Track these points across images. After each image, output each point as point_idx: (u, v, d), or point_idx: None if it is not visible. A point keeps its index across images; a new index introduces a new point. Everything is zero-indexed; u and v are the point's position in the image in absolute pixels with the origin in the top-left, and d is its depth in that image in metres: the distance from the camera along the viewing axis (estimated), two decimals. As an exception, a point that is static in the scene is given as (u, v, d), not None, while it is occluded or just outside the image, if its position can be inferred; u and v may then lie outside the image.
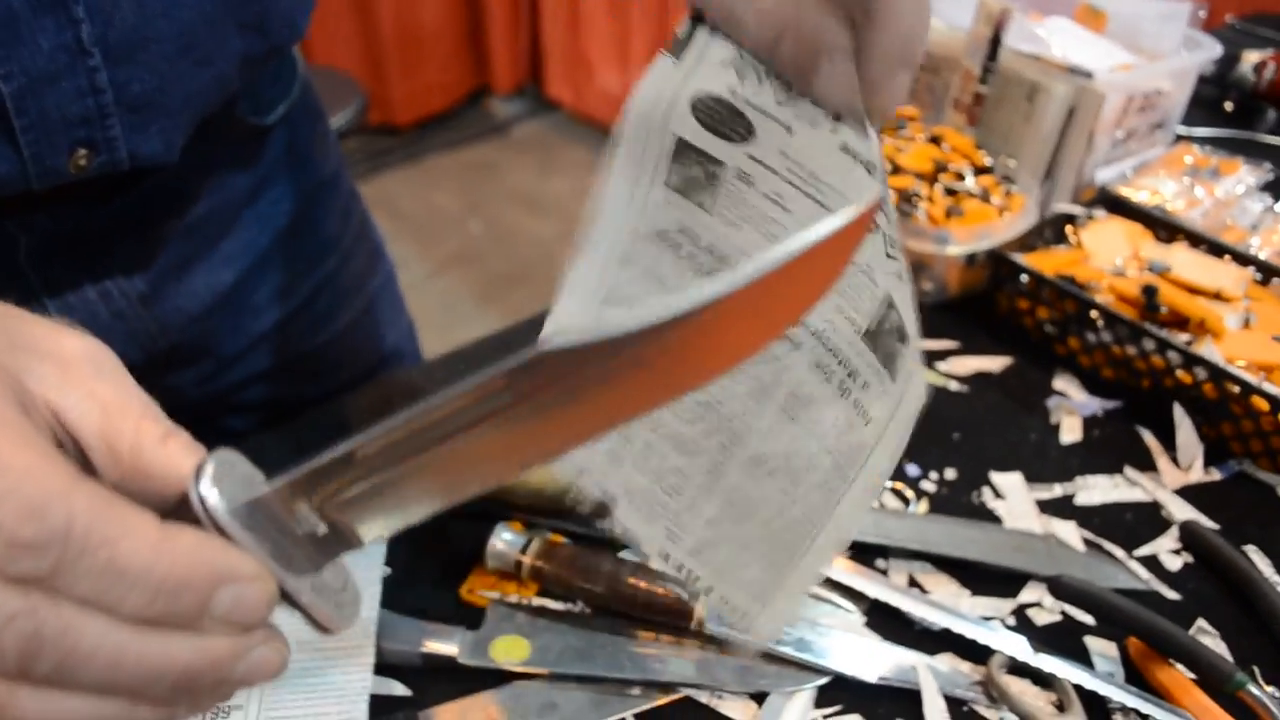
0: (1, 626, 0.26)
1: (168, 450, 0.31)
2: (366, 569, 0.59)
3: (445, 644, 0.57)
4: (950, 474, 0.74)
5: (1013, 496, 0.72)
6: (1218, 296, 0.84)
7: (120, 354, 0.70)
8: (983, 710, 0.57)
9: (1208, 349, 0.78)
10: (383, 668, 0.55)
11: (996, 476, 0.74)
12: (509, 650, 0.57)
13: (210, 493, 0.30)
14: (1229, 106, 1.32)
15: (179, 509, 0.30)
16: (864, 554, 0.66)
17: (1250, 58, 1.30)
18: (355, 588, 0.35)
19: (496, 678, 0.57)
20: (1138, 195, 0.98)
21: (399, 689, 0.56)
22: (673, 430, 0.45)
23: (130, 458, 0.31)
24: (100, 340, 0.34)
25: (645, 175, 0.44)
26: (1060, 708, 0.57)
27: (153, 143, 0.55)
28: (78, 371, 0.32)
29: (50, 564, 0.26)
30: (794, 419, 0.43)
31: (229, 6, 0.55)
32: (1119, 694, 0.57)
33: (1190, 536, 0.69)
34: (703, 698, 0.57)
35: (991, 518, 0.70)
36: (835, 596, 0.63)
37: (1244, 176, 1.05)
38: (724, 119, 0.41)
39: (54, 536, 0.26)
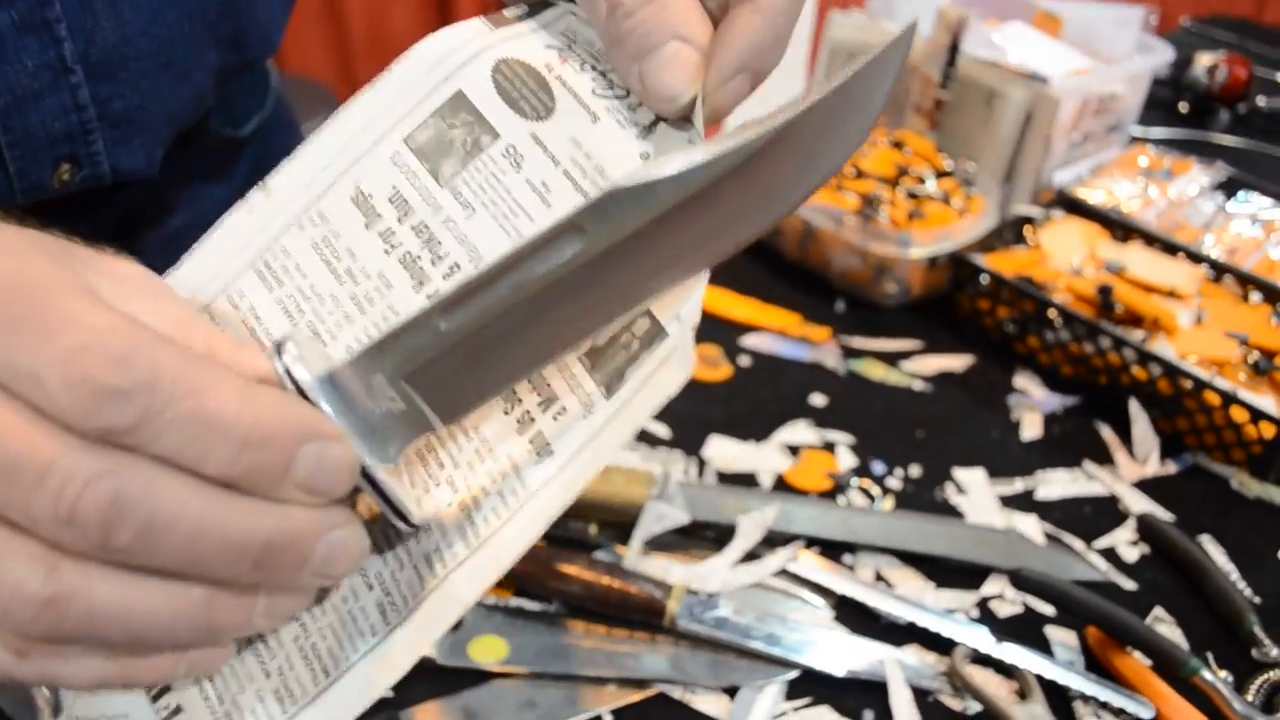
0: (82, 489, 0.25)
1: (241, 355, 0.30)
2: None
3: (424, 646, 0.58)
4: (915, 471, 0.76)
5: (975, 492, 0.74)
6: (1171, 294, 0.86)
7: None
8: (948, 700, 0.59)
9: (1161, 346, 0.80)
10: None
11: (960, 473, 0.76)
12: (487, 650, 0.58)
13: (294, 363, 0.29)
14: (1184, 108, 1.35)
15: None
16: (832, 550, 0.68)
17: (1203, 60, 1.33)
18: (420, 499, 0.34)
19: (475, 677, 0.58)
20: (1094, 196, 1.01)
21: (379, 691, 0.57)
22: None
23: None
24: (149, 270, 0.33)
25: (385, 121, 0.37)
26: (1022, 696, 0.59)
27: (134, 156, 0.56)
28: (137, 289, 0.31)
29: (136, 414, 0.25)
30: (428, 466, 0.35)
31: (207, 23, 0.56)
32: (1079, 682, 0.59)
33: (1147, 528, 0.71)
34: (676, 693, 0.58)
35: (955, 513, 0.72)
36: (804, 592, 0.65)
37: (1197, 177, 1.08)
38: (526, 89, 0.36)
39: (140, 384, 0.25)
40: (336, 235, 0.37)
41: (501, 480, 0.34)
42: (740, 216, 0.30)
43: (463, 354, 0.30)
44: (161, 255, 0.67)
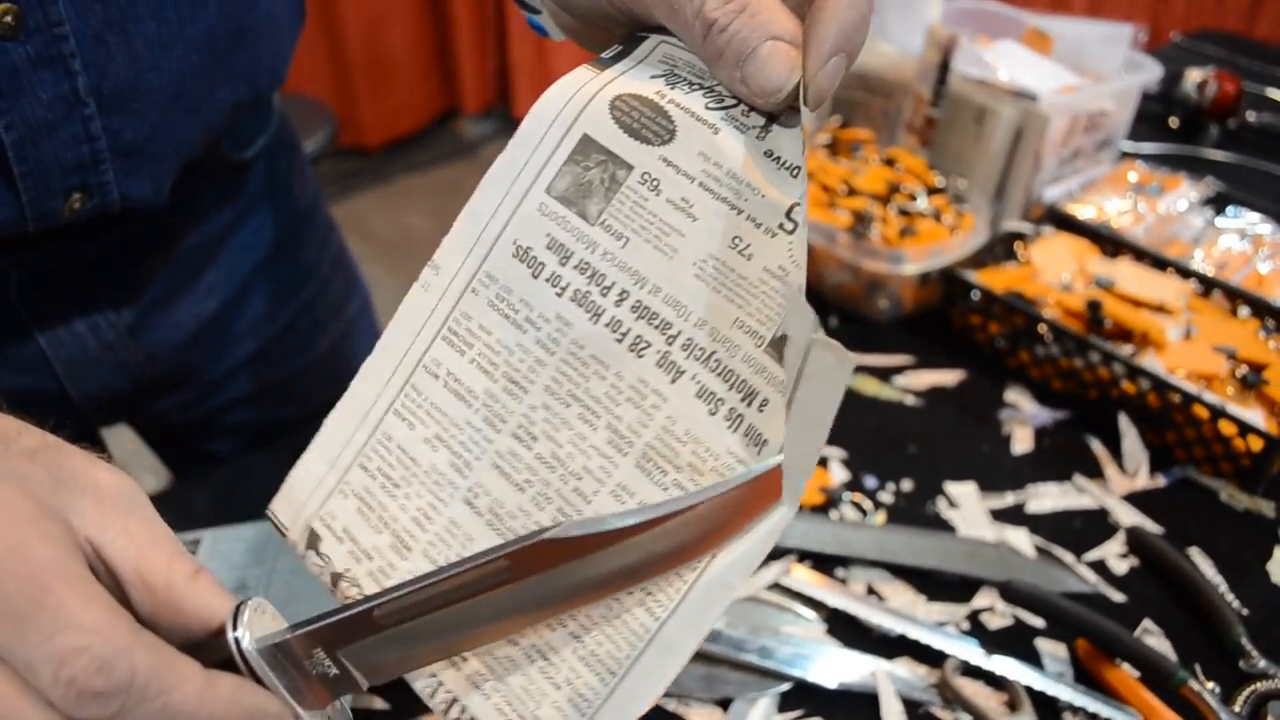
0: None
1: (198, 588, 0.34)
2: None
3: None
4: (907, 485, 0.76)
5: (967, 506, 0.75)
6: (1160, 309, 0.87)
7: (109, 384, 0.72)
8: (938, 712, 0.60)
9: (1150, 360, 0.81)
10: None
11: (951, 486, 0.77)
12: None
13: (245, 636, 0.34)
14: (1174, 123, 1.37)
15: (209, 642, 0.34)
16: (824, 564, 0.68)
17: (1193, 75, 1.35)
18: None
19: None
20: (1084, 212, 1.02)
21: (378, 703, 0.58)
22: (496, 498, 0.40)
23: (164, 593, 0.34)
24: (125, 474, 0.36)
25: (525, 180, 0.40)
26: (1012, 708, 0.60)
27: (143, 186, 0.57)
28: (113, 507, 0.34)
29: (113, 710, 0.29)
30: (650, 474, 0.37)
31: (216, 58, 0.58)
32: (1069, 693, 0.60)
33: (1136, 541, 0.72)
34: (670, 705, 0.59)
35: (946, 527, 0.73)
36: (796, 605, 0.65)
37: (1186, 192, 1.09)
38: (645, 119, 0.39)
39: (119, 688, 0.29)
40: (509, 290, 0.40)
41: (730, 474, 0.37)
42: (656, 562, 0.35)
43: (393, 643, 0.36)
44: (168, 276, 0.69)
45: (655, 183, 0.38)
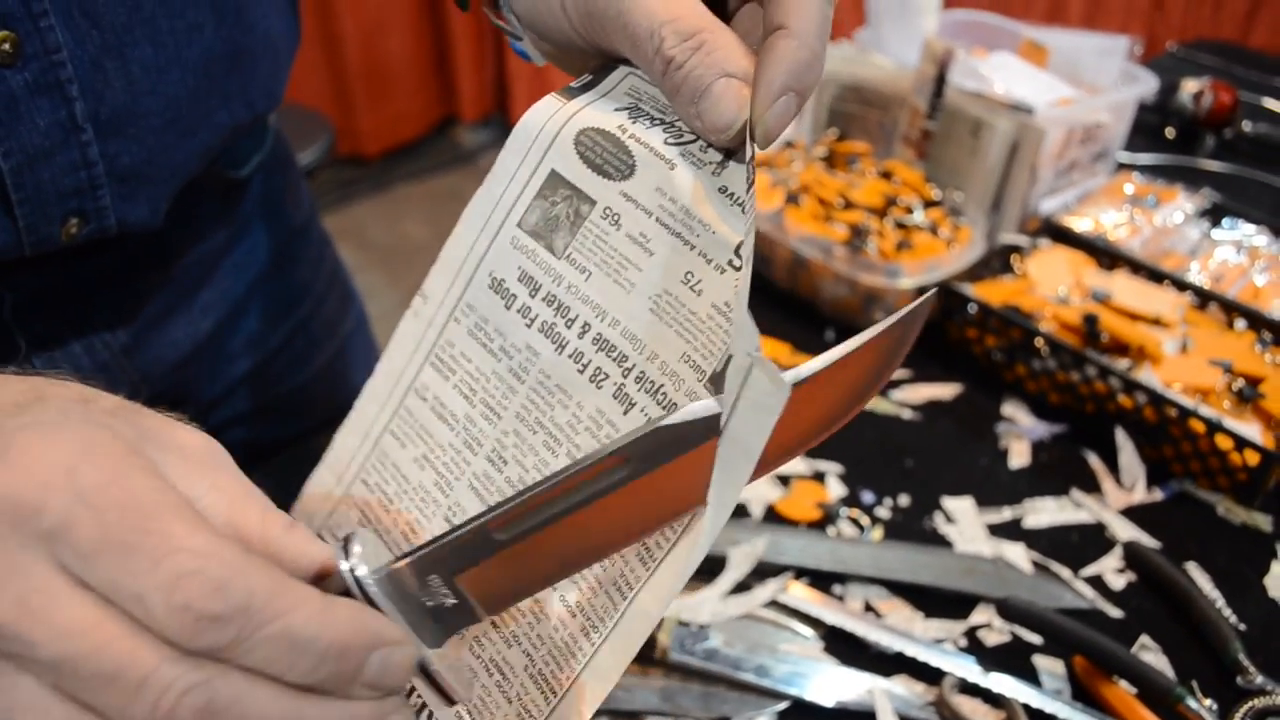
0: (177, 700, 0.27)
1: (294, 537, 0.33)
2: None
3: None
4: (904, 500, 0.76)
5: (964, 521, 0.75)
6: (1157, 322, 0.87)
7: None
8: (936, 730, 0.60)
9: (1147, 374, 0.81)
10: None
11: (948, 501, 0.77)
12: (480, 685, 0.59)
13: (359, 565, 0.33)
14: (1170, 133, 1.37)
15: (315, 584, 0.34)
16: (821, 580, 0.68)
17: (1189, 86, 1.35)
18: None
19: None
20: (1080, 225, 1.02)
21: None
22: (470, 515, 0.41)
23: (260, 545, 0.32)
24: (207, 435, 0.35)
25: (500, 213, 0.42)
26: (1010, 725, 0.60)
27: (139, 210, 0.57)
28: (199, 463, 0.33)
29: (231, 635, 0.28)
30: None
31: (213, 81, 0.58)
32: (1066, 711, 0.60)
33: (1133, 556, 0.72)
34: (667, 726, 0.59)
35: (944, 542, 0.73)
36: (793, 623, 0.65)
37: (1182, 204, 1.09)
38: (608, 154, 0.40)
39: (237, 610, 0.28)
40: (486, 320, 0.42)
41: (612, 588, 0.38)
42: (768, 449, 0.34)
43: (511, 560, 0.34)
44: (163, 295, 0.69)
45: (616, 217, 0.39)
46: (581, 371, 0.39)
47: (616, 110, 0.41)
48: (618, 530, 0.34)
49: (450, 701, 0.35)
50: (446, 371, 0.43)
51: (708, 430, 0.33)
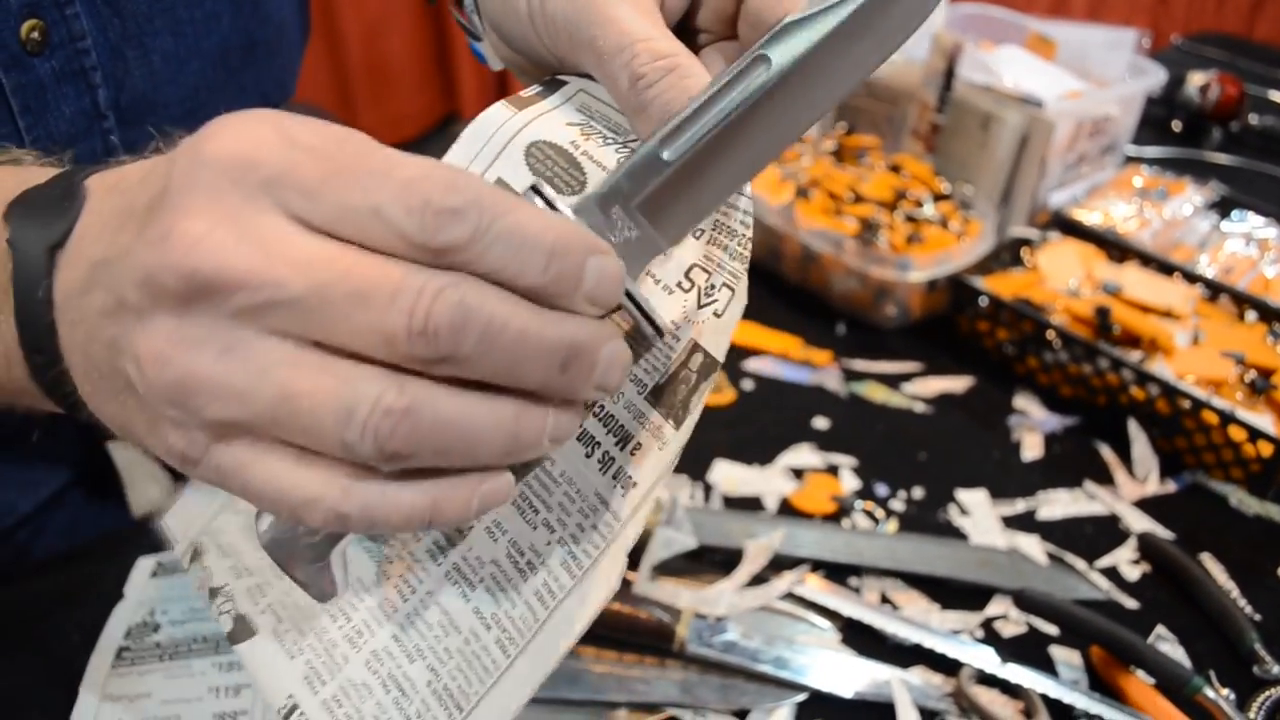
0: (432, 301, 0.28)
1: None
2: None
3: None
4: (918, 493, 0.77)
5: (978, 513, 0.75)
6: (1168, 314, 0.87)
7: None
8: (954, 720, 0.60)
9: (1159, 366, 0.81)
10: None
11: (962, 494, 0.77)
12: (499, 678, 0.59)
13: (554, 197, 0.32)
14: (1177, 126, 1.37)
15: None
16: (837, 573, 0.68)
17: (1196, 79, 1.35)
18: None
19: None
20: (1090, 217, 1.02)
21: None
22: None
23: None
24: None
25: None
26: (1028, 715, 0.60)
27: None
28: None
29: (470, 229, 0.28)
30: (524, 512, 0.39)
31: (229, 72, 0.58)
32: (1083, 701, 0.60)
33: (1148, 547, 0.72)
34: (687, 717, 0.59)
35: (958, 534, 0.73)
36: (810, 615, 0.65)
37: (1191, 196, 1.09)
38: (558, 168, 0.40)
39: (470, 203, 0.28)
40: None
41: (594, 515, 0.38)
42: (872, 50, 0.36)
43: (682, 179, 0.34)
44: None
45: None
46: None
47: (569, 125, 0.40)
48: (765, 140, 0.35)
49: (655, 330, 0.34)
50: None
51: (832, 21, 0.34)
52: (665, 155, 0.34)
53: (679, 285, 0.38)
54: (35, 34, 0.47)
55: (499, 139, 0.40)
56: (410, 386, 0.28)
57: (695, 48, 0.41)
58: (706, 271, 0.38)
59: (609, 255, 0.31)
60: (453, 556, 0.40)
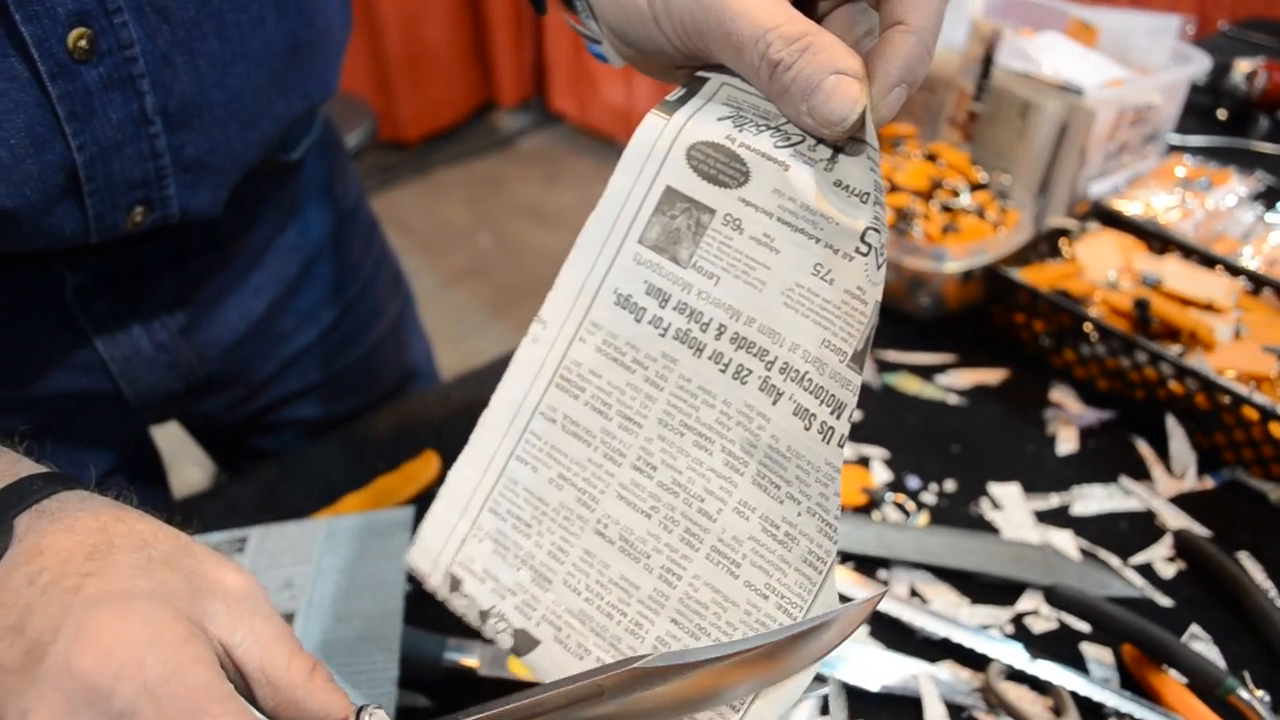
0: None
1: (314, 685, 0.38)
2: (391, 586, 0.61)
3: (467, 656, 0.59)
4: (950, 486, 0.76)
5: (1010, 507, 0.74)
6: (1209, 308, 0.86)
7: (162, 383, 0.74)
8: (982, 716, 0.59)
9: (1199, 360, 0.80)
10: (406, 682, 0.58)
11: (995, 487, 0.76)
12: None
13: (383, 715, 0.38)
14: (1222, 115, 1.34)
15: None
16: (866, 565, 0.68)
17: (1242, 66, 1.32)
18: None
19: (512, 689, 0.59)
20: (1131, 208, 1.00)
21: (421, 701, 0.59)
22: (625, 526, 0.43)
23: (286, 690, 0.38)
24: (248, 574, 0.41)
25: (617, 234, 0.44)
26: (1057, 713, 0.59)
27: (202, 198, 0.59)
28: (240, 607, 0.38)
29: None
30: (766, 489, 0.41)
31: (274, 73, 0.59)
32: (1114, 699, 0.60)
33: (1183, 544, 0.71)
34: (713, 707, 0.59)
35: (990, 528, 0.72)
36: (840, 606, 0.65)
37: (1235, 187, 1.07)
38: (720, 164, 0.41)
39: None
40: (615, 335, 0.44)
41: (832, 482, 0.40)
42: (725, 690, 0.39)
43: None
44: (219, 277, 0.70)
45: (738, 222, 0.41)
46: (723, 371, 0.41)
47: (720, 120, 0.42)
48: None
49: None
50: (575, 390, 0.45)
51: (678, 674, 0.39)
52: None
53: (857, 251, 0.39)
54: (83, 42, 0.48)
55: (659, 150, 0.43)
56: None
57: (816, 17, 0.42)
58: (877, 230, 0.39)
59: None
60: (708, 541, 0.42)
